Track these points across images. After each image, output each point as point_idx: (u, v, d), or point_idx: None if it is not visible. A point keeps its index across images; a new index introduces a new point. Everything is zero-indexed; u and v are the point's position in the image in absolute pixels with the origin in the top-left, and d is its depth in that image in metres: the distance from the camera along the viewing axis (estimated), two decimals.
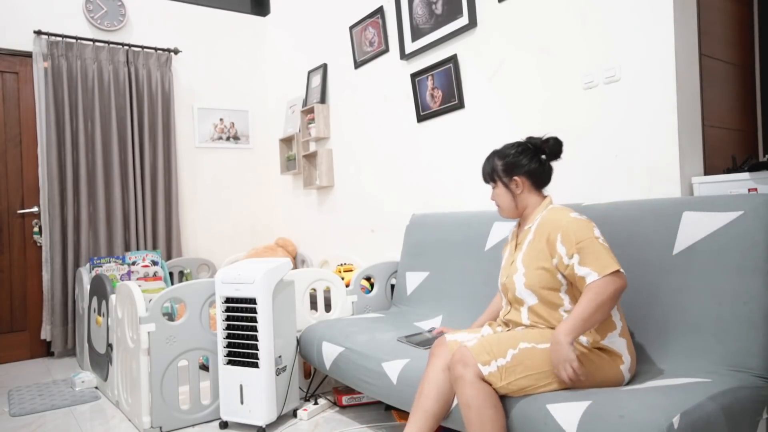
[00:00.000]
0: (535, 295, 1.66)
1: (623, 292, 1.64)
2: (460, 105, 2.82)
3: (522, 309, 1.71)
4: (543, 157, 1.79)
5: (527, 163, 1.75)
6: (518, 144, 1.80)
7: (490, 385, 1.53)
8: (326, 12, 3.85)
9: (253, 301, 2.25)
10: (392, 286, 3.00)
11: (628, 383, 1.61)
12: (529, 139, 1.81)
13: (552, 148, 1.76)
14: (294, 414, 2.45)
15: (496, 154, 1.81)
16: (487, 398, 1.51)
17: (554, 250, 1.62)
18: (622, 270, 1.54)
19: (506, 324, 1.79)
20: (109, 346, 2.74)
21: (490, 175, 1.81)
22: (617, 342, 1.60)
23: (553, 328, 1.64)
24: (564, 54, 2.31)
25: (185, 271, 4.07)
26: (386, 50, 3.29)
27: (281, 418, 2.40)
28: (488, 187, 2.69)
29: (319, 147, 4.00)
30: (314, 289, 2.82)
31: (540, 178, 1.78)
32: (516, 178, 1.75)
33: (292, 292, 2.42)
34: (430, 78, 2.97)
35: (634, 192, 2.09)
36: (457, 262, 2.57)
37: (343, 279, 2.92)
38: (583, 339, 1.59)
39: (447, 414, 1.69)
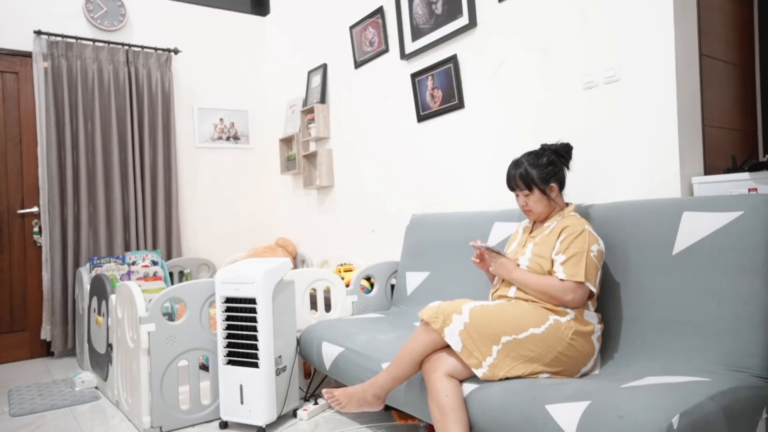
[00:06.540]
0: None
1: (571, 304, 1.76)
2: (460, 105, 2.82)
3: (512, 285, 1.88)
4: (563, 162, 1.94)
5: (558, 171, 1.91)
6: (543, 153, 1.92)
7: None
8: (326, 12, 3.85)
9: (253, 301, 2.25)
10: (392, 286, 3.00)
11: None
12: (548, 146, 1.94)
13: (569, 153, 1.95)
14: (294, 414, 2.45)
15: (527, 162, 1.91)
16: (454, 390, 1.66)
17: (555, 243, 1.82)
18: (592, 288, 1.73)
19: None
20: (109, 346, 2.74)
21: (526, 182, 1.90)
22: (589, 314, 1.79)
23: (533, 301, 1.81)
24: (564, 54, 2.31)
25: (185, 271, 4.07)
26: (386, 50, 3.29)
27: (281, 418, 2.40)
28: (488, 188, 2.69)
29: (319, 147, 4.00)
30: (314, 289, 2.82)
31: (563, 183, 1.94)
32: (551, 184, 1.90)
33: (292, 292, 2.42)
34: (430, 78, 2.97)
35: (634, 192, 2.08)
36: (458, 262, 2.57)
37: (343, 279, 2.92)
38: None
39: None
